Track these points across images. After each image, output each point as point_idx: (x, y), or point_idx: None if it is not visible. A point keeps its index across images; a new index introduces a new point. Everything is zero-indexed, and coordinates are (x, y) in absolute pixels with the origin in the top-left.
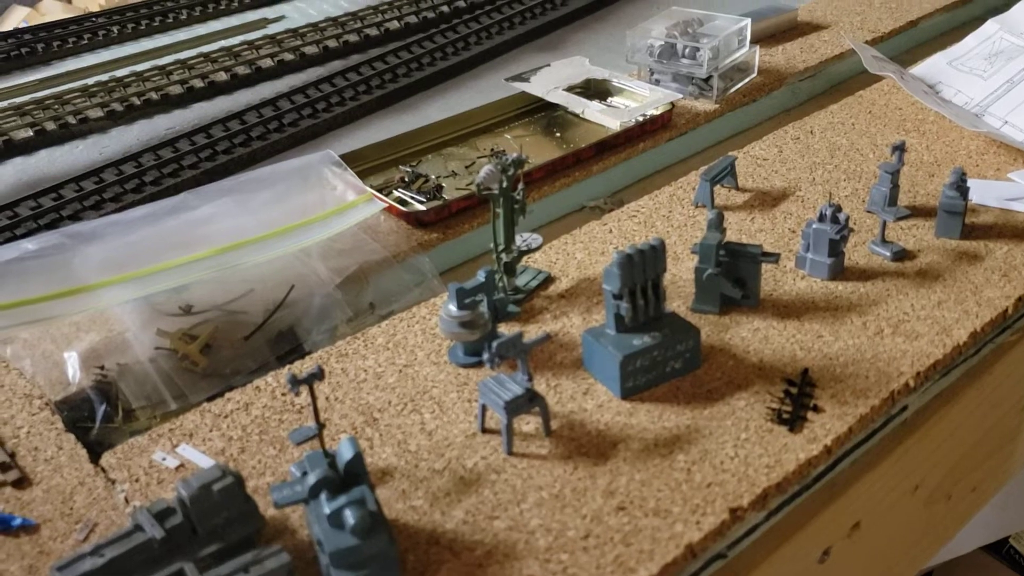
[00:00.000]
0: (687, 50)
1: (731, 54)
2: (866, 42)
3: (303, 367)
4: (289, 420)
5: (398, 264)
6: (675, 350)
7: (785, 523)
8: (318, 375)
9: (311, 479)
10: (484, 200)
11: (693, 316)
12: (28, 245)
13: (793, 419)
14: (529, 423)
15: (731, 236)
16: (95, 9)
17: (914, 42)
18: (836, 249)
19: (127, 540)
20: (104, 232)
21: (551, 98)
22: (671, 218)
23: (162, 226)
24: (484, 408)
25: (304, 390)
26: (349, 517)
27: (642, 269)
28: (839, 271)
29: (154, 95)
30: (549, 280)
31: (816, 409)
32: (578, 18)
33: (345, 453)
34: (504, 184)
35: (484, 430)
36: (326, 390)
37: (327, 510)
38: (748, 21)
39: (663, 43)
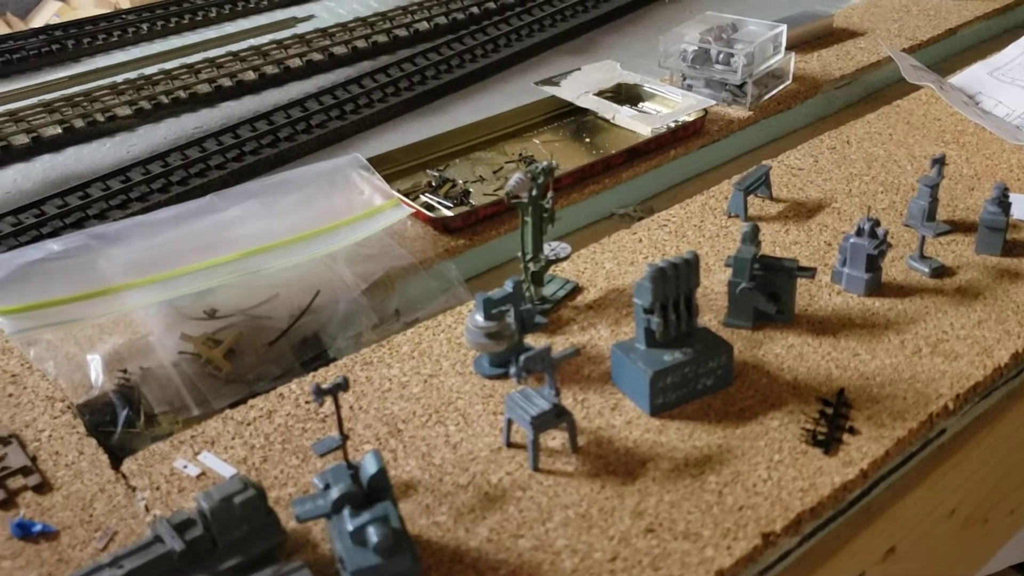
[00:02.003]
0: (721, 56)
1: (766, 60)
2: (903, 50)
3: (328, 377)
4: (313, 429)
5: (424, 270)
6: (707, 366)
7: (818, 548)
8: (343, 385)
9: (334, 493)
10: (513, 207)
11: (725, 331)
12: (53, 246)
13: (829, 441)
14: (555, 438)
15: (765, 248)
16: (126, 5)
17: (952, 51)
18: (874, 264)
19: (146, 552)
20: (129, 233)
21: (581, 103)
22: (703, 228)
23: (188, 228)
24: (510, 422)
25: (328, 400)
26: (372, 535)
27: (675, 283)
28: (876, 287)
29: (182, 93)
30: (577, 290)
31: (852, 431)
32: (609, 21)
33: (369, 467)
34: (534, 192)
35: (509, 444)
36: (350, 399)
37: (350, 527)
38: (784, 27)
39: (697, 48)
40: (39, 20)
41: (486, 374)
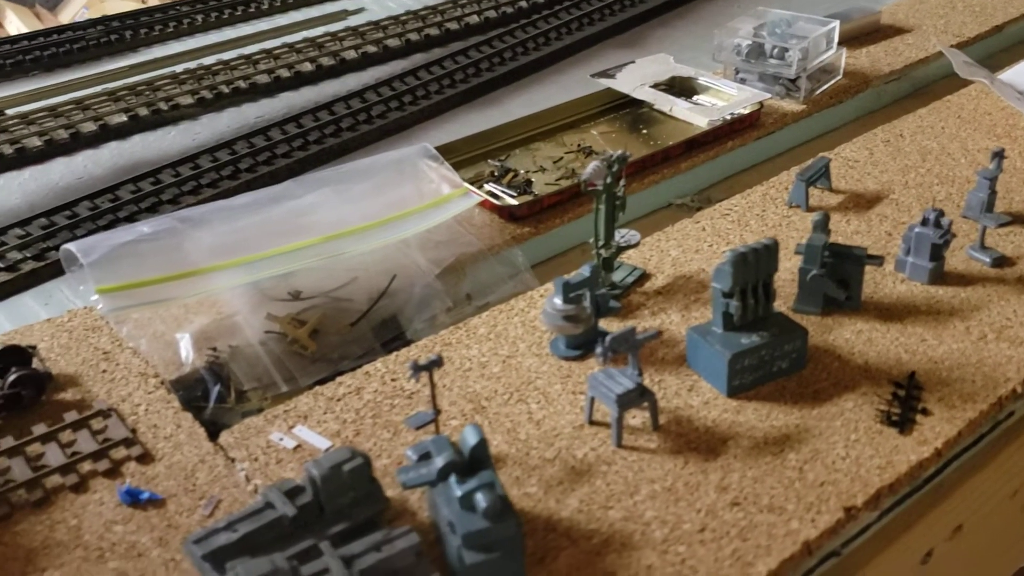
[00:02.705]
0: (775, 50)
1: (819, 55)
2: (951, 47)
3: (409, 356)
4: (400, 405)
5: (492, 257)
6: (782, 350)
7: (893, 524)
8: (438, 363)
9: (439, 462)
10: (576, 195)
11: (794, 317)
12: (144, 228)
13: (903, 421)
14: (635, 417)
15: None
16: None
17: (999, 47)
18: (938, 253)
19: (258, 517)
20: (212, 218)
21: (638, 95)
22: (765, 217)
23: (267, 213)
24: (593, 401)
25: (422, 378)
26: (481, 500)
27: (754, 268)
28: (939, 276)
29: (242, 83)
30: (644, 277)
31: (925, 412)
32: (658, 15)
33: (470, 439)
34: (608, 180)
35: (591, 422)
36: (434, 377)
37: (458, 492)
38: (837, 23)
39: (751, 43)
40: (67, 13)
41: (562, 355)
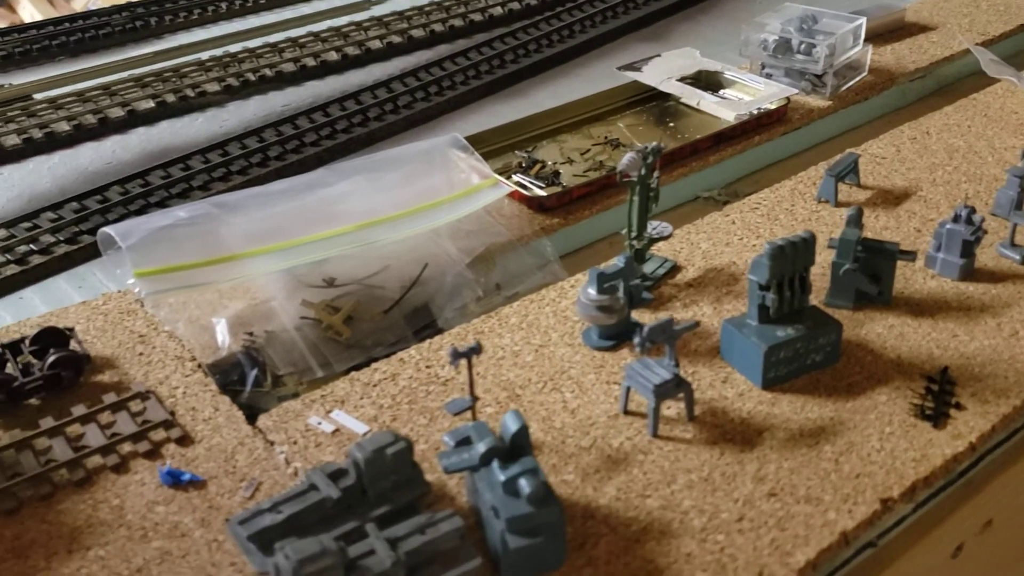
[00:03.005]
0: (803, 46)
1: (845, 52)
2: (977, 45)
3: (442, 344)
4: (435, 392)
5: (521, 247)
6: (817, 343)
7: (926, 518)
8: (477, 350)
9: (481, 448)
10: (604, 187)
11: (826, 310)
12: (180, 212)
13: (937, 415)
14: (670, 407)
15: None
16: None
17: None
18: (969, 250)
19: (303, 498)
20: (247, 203)
21: (665, 88)
22: (794, 212)
23: (302, 200)
24: (628, 390)
25: (460, 364)
26: (525, 486)
27: (792, 261)
28: (970, 272)
29: (268, 71)
30: (675, 269)
31: (958, 407)
32: (681, 9)
33: (511, 425)
34: (643, 171)
35: (626, 412)
36: (472, 365)
37: (502, 478)
38: (863, 20)
39: (778, 38)
40: (79, 1)
41: (595, 346)
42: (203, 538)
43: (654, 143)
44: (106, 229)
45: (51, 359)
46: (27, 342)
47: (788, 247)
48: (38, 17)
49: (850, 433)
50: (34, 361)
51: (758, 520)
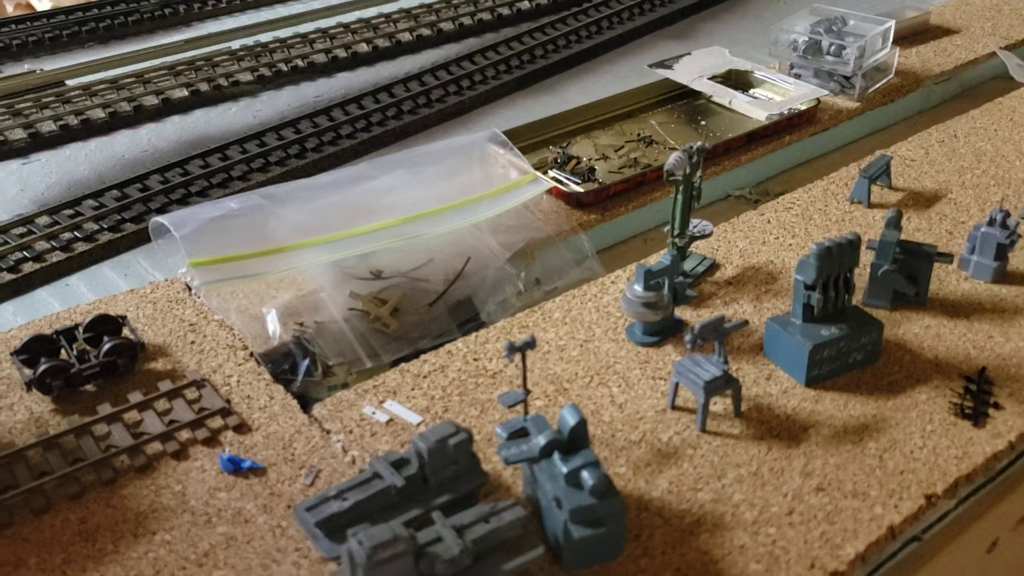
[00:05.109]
0: (832, 48)
1: (874, 54)
2: (1000, 48)
3: (488, 337)
4: (484, 384)
5: (560, 242)
6: (859, 342)
7: (965, 514)
8: (531, 344)
9: (541, 440)
10: (640, 184)
11: (865, 310)
12: (231, 204)
13: (977, 414)
14: (716, 403)
15: None
16: None
17: None
18: (1003, 253)
19: (367, 486)
20: (296, 196)
21: (697, 86)
22: (827, 212)
23: (348, 193)
24: (677, 386)
25: (513, 359)
26: (588, 478)
27: (838, 262)
28: (1003, 275)
29: (300, 62)
30: (715, 266)
31: (997, 406)
32: (706, 7)
33: (569, 419)
34: (687, 171)
35: (674, 407)
36: (515, 358)
37: (564, 469)
38: (892, 23)
39: (807, 39)
40: None
41: (639, 342)
42: (267, 524)
43: (699, 143)
44: (159, 218)
45: (107, 346)
46: (81, 329)
47: (835, 248)
48: (47, 6)
49: (892, 430)
50: (88, 348)
51: (807, 514)
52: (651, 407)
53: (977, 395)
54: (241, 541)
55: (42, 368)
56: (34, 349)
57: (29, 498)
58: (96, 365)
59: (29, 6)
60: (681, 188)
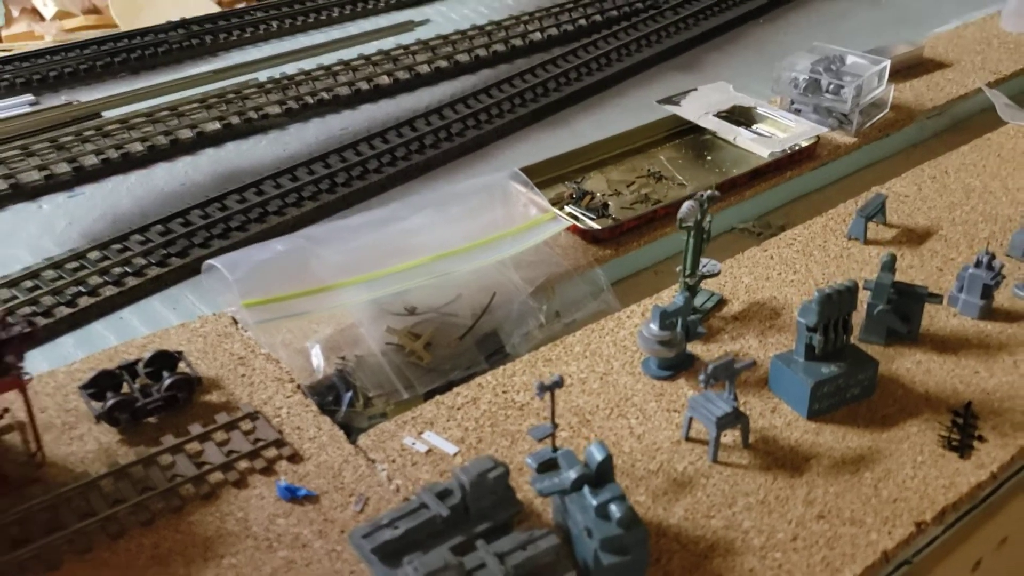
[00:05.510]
0: (831, 86)
1: (871, 92)
2: (989, 84)
3: (515, 371)
4: (513, 416)
5: (577, 276)
6: (856, 379)
7: (952, 537)
8: (559, 383)
9: (572, 474)
10: (651, 220)
11: (860, 346)
12: (278, 246)
13: (963, 447)
14: (727, 435)
15: None
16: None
17: None
18: (988, 293)
19: (415, 515)
20: (333, 237)
21: (703, 123)
22: (827, 248)
23: (381, 234)
24: (691, 420)
25: (546, 395)
26: (615, 511)
27: (837, 306)
28: (989, 312)
29: (325, 95)
30: (722, 302)
31: (981, 439)
32: (710, 39)
33: (597, 455)
34: (699, 217)
35: (688, 438)
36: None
37: (594, 502)
38: (887, 62)
39: (808, 77)
40: None
41: (654, 375)
42: (323, 548)
43: (709, 192)
44: (213, 262)
45: (168, 381)
46: (141, 364)
47: (835, 295)
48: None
49: (886, 461)
50: (149, 382)
51: (810, 539)
52: (667, 438)
53: (963, 428)
54: (300, 564)
55: (111, 402)
56: (100, 383)
57: (105, 525)
58: (159, 399)
59: (35, 12)
60: (692, 233)
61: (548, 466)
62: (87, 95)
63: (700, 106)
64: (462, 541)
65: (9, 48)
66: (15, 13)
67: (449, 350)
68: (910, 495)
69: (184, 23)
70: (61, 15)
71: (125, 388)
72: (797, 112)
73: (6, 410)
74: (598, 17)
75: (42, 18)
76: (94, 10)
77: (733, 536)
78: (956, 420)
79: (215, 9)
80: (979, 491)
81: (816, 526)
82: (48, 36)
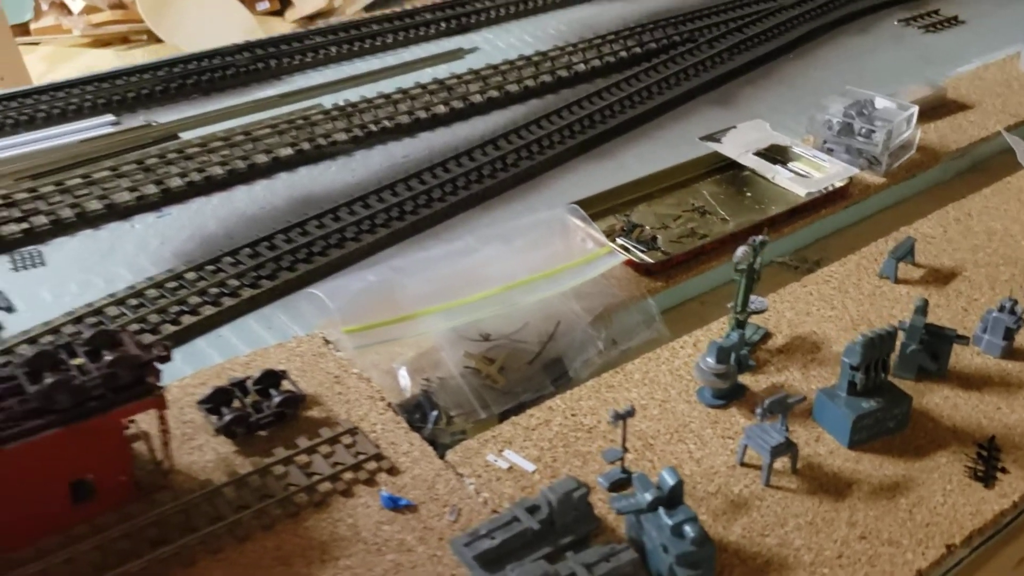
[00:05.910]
0: (863, 130)
1: (900, 135)
2: (1008, 128)
3: (581, 395)
4: (583, 438)
5: (631, 306)
6: (892, 412)
7: (976, 559)
8: (631, 412)
9: (647, 496)
10: (699, 255)
11: (894, 381)
12: (370, 276)
13: (987, 477)
14: (777, 462)
15: (910, 308)
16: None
17: None
18: (1010, 335)
19: (509, 527)
20: (416, 268)
21: (743, 161)
22: (860, 286)
23: (458, 265)
24: (745, 447)
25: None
26: (689, 531)
27: (879, 349)
28: (1010, 352)
29: (387, 123)
30: (767, 335)
31: (1004, 470)
32: (744, 73)
33: (669, 479)
34: (751, 261)
35: (742, 464)
36: (606, 415)
37: (669, 523)
38: (915, 109)
39: (841, 121)
40: None
41: (709, 404)
42: (425, 553)
43: (761, 237)
44: (315, 291)
45: (278, 399)
46: (251, 381)
47: (877, 339)
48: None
49: (919, 488)
50: (259, 399)
51: (853, 558)
52: (723, 463)
53: (987, 460)
54: (407, 567)
55: (228, 417)
56: (215, 399)
57: (232, 528)
58: (270, 414)
59: (63, 6)
60: (745, 274)
61: (618, 486)
62: (163, 116)
63: (740, 144)
64: (550, 552)
65: (38, 40)
66: (44, 7)
67: (520, 374)
68: (941, 520)
69: (249, 45)
70: (88, 9)
71: (236, 403)
72: (829, 151)
73: (131, 420)
74: (638, 50)
75: (70, 12)
76: (120, 5)
77: (786, 553)
78: (981, 452)
79: (239, 8)
80: (1002, 518)
81: (858, 546)
82: (76, 30)
